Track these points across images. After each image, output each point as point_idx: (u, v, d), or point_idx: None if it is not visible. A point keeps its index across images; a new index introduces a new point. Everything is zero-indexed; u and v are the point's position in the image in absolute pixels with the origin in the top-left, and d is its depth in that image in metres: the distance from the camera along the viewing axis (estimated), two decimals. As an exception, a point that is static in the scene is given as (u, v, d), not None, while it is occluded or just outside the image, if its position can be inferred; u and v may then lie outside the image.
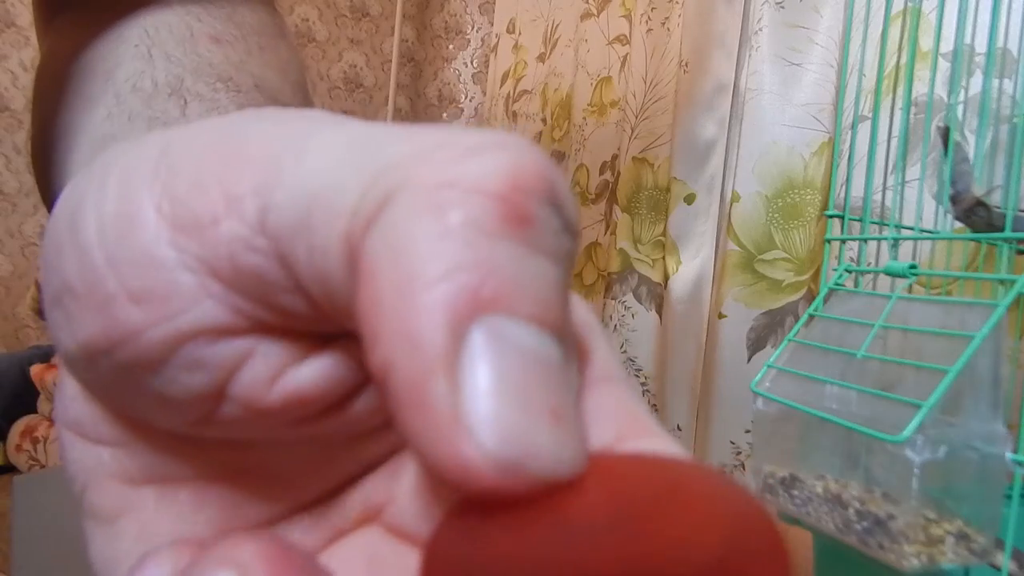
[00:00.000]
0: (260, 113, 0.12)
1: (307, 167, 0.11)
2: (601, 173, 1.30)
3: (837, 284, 0.44)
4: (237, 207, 0.11)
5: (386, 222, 0.09)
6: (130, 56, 0.24)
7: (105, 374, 0.12)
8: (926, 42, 0.79)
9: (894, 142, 0.51)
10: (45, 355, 1.91)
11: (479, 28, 2.49)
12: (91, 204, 0.12)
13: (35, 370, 1.83)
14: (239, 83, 0.24)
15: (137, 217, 0.11)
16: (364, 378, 0.12)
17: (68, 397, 0.14)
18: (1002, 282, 0.35)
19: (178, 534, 0.14)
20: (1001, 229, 0.40)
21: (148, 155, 0.12)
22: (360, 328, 0.10)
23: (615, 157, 1.24)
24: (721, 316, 1.01)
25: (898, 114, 0.50)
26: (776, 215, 0.98)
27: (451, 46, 2.54)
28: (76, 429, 0.14)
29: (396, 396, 0.09)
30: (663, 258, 1.12)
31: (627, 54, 1.24)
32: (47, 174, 0.26)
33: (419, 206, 0.09)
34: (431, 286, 0.09)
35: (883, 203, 0.58)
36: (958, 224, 0.48)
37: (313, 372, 0.12)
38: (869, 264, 0.45)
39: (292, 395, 0.12)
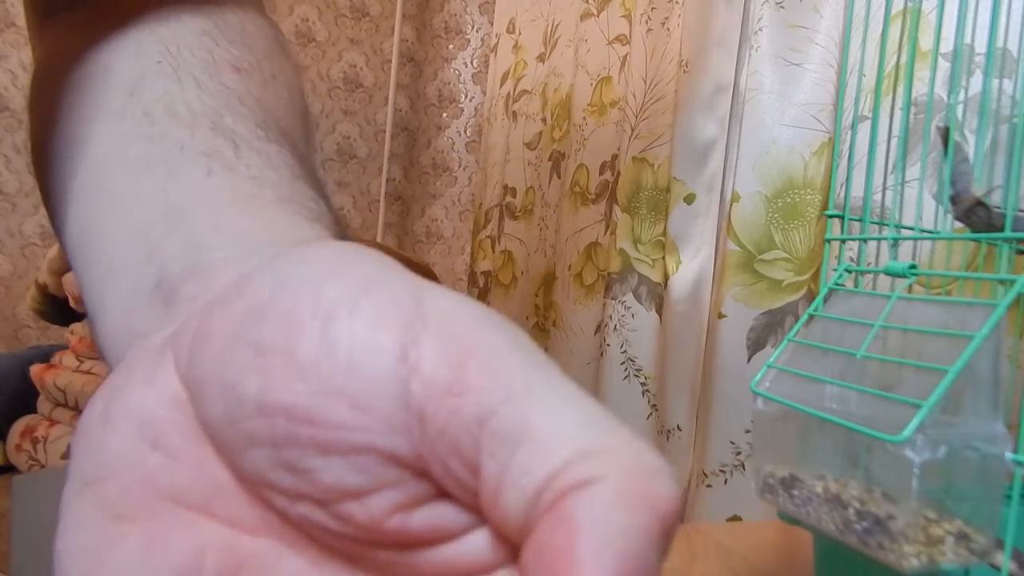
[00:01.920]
0: (506, 325, 0.15)
1: (535, 404, 0.13)
2: (601, 173, 1.30)
3: (837, 284, 0.44)
4: (474, 396, 0.13)
5: (593, 497, 0.12)
6: (154, 73, 0.24)
7: (263, 430, 0.14)
8: (926, 42, 0.79)
9: (894, 142, 0.51)
10: (45, 355, 1.91)
11: (479, 28, 2.49)
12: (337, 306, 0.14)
13: (35, 370, 1.83)
14: (267, 127, 0.24)
15: (382, 350, 0.14)
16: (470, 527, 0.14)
17: (157, 394, 0.15)
18: (1002, 282, 0.35)
19: (186, 562, 0.15)
20: (1001, 229, 0.40)
21: (399, 294, 0.14)
22: (524, 541, 0.12)
23: (615, 157, 1.24)
24: (721, 316, 1.01)
25: (898, 114, 0.50)
26: (776, 215, 0.98)
27: (451, 46, 2.54)
28: (141, 425, 0.15)
29: None
30: (663, 258, 1.12)
31: (627, 54, 1.24)
32: (46, 175, 0.26)
33: (616, 500, 0.12)
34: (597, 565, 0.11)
35: (883, 203, 0.58)
36: (958, 224, 0.48)
37: (428, 515, 0.14)
38: (869, 264, 0.45)
39: (404, 527, 0.14)
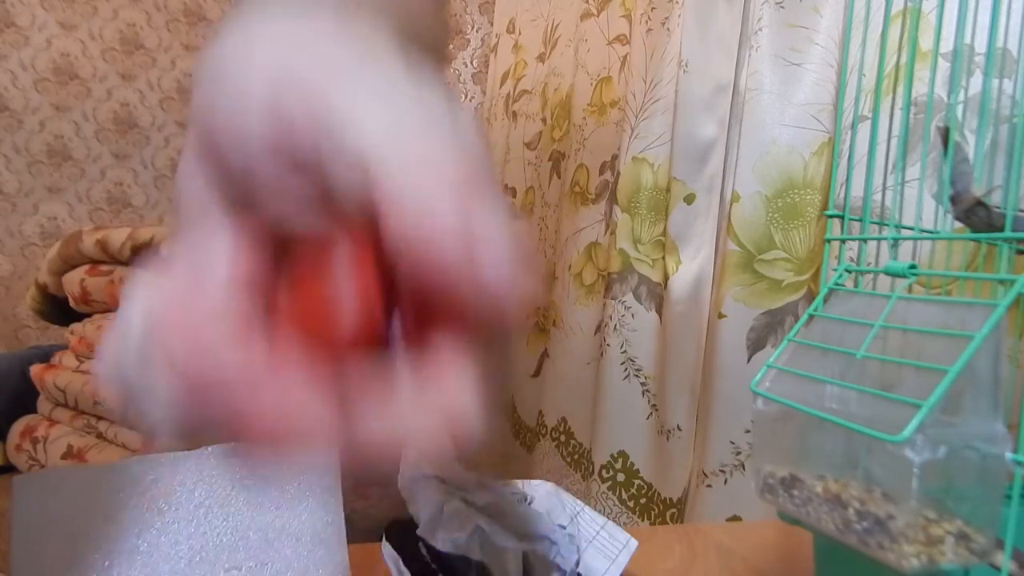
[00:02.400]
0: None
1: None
2: (601, 173, 1.30)
3: (837, 284, 0.44)
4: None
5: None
6: None
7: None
8: (926, 42, 0.79)
9: (894, 142, 0.51)
10: (45, 355, 1.91)
11: (479, 28, 2.49)
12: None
13: (35, 370, 1.82)
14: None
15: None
16: None
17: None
18: (1002, 282, 0.35)
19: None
20: (1001, 229, 0.40)
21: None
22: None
23: (615, 157, 1.24)
24: (721, 316, 1.01)
25: (898, 114, 0.50)
26: (776, 215, 0.98)
27: (451, 46, 2.54)
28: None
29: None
30: (663, 258, 1.12)
31: (627, 54, 1.24)
32: None
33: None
34: None
35: (883, 203, 0.58)
36: (958, 224, 0.48)
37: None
38: (869, 264, 0.45)
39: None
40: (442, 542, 0.42)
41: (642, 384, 1.15)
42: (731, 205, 1.01)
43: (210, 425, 0.17)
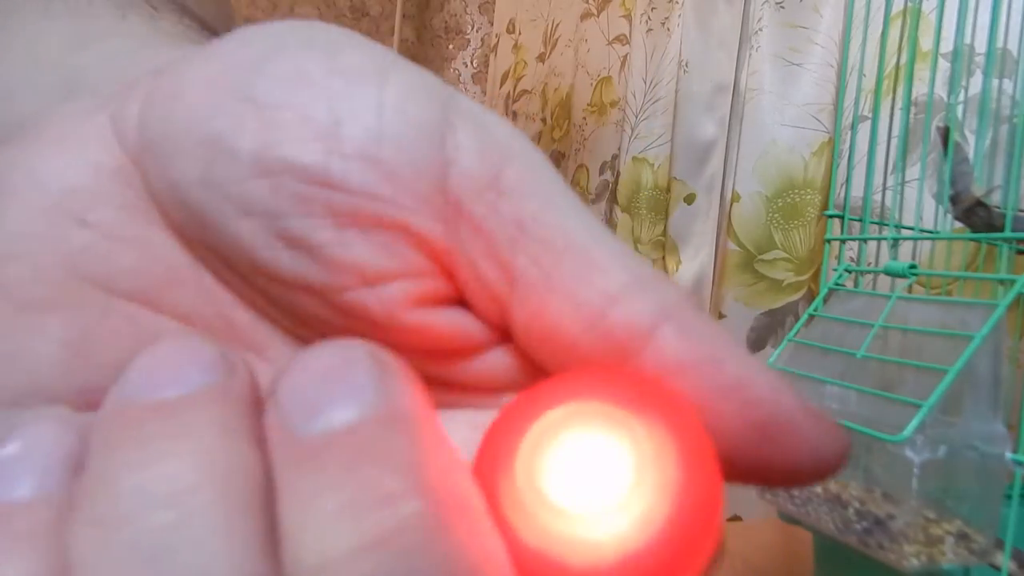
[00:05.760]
0: None
1: (575, 219, 0.13)
2: (601, 173, 1.30)
3: (837, 284, 0.44)
4: (515, 198, 0.12)
5: (670, 337, 0.12)
6: None
7: (261, 193, 0.11)
8: (926, 42, 0.79)
9: (894, 142, 0.51)
10: (45, 355, 1.91)
11: (479, 28, 2.49)
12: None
13: (35, 370, 1.83)
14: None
15: (420, 125, 0.12)
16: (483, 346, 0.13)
17: (85, 162, 0.12)
18: (1002, 282, 0.35)
19: (124, 360, 0.11)
20: (1001, 229, 0.40)
21: (427, 78, 0.13)
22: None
23: (615, 157, 1.24)
24: (721, 316, 1.01)
25: (898, 114, 0.50)
26: (776, 215, 0.98)
27: (451, 46, 2.54)
28: (62, 196, 0.12)
29: None
30: (663, 258, 1.12)
31: (627, 54, 1.24)
32: None
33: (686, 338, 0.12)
34: None
35: (883, 203, 0.58)
36: (958, 224, 0.48)
37: (453, 318, 0.12)
38: (869, 264, 0.45)
39: (423, 325, 0.12)
40: None
41: (642, 384, 1.15)
42: (731, 205, 1.01)
43: None
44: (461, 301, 0.13)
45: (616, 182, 1.22)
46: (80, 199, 0.12)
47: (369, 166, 0.11)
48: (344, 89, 0.12)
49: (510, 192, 0.12)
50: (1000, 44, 0.57)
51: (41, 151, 0.12)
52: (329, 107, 0.11)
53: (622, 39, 1.27)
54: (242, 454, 0.09)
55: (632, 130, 1.18)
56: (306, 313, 0.12)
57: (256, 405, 0.10)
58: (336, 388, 0.10)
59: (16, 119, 0.16)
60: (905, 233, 0.48)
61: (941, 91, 0.77)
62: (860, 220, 0.47)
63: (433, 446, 0.10)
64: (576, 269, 0.11)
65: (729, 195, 1.03)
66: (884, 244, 0.46)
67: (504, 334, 0.13)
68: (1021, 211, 0.41)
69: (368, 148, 0.11)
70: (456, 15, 2.52)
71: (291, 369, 0.10)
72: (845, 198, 0.81)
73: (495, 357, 0.13)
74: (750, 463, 0.11)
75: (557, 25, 1.51)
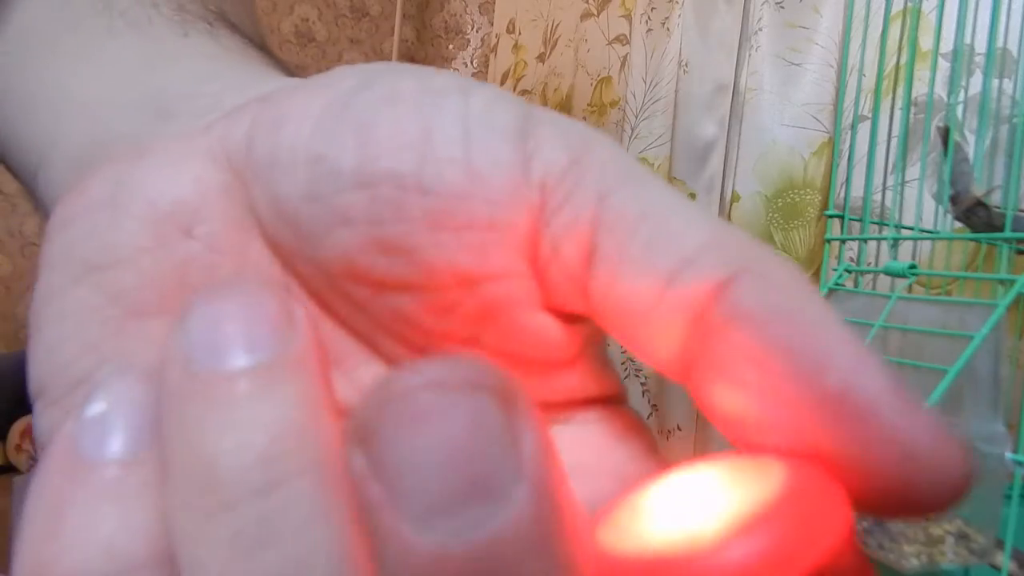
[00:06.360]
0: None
1: (653, 192, 0.13)
2: (601, 173, 1.31)
3: (837, 284, 0.44)
4: (594, 175, 0.13)
5: (756, 286, 0.12)
6: None
7: (360, 203, 0.12)
8: (926, 42, 0.79)
9: (894, 142, 0.51)
10: (45, 355, 1.91)
11: (479, 28, 2.49)
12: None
13: (35, 370, 1.83)
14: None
15: (502, 127, 0.13)
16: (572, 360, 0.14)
17: (193, 179, 0.13)
18: (1002, 282, 0.35)
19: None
20: (1001, 229, 0.40)
21: (504, 94, 0.13)
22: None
23: (615, 157, 1.25)
24: (721, 316, 1.01)
25: (898, 114, 0.50)
26: (776, 215, 0.98)
27: (451, 46, 2.54)
28: (171, 209, 0.13)
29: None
30: (663, 258, 1.12)
31: (627, 54, 1.24)
32: None
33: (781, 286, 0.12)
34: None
35: (883, 203, 0.58)
36: (958, 224, 0.48)
37: (543, 322, 0.13)
38: (869, 264, 0.45)
39: (514, 327, 0.13)
40: None
41: (642, 384, 1.15)
42: (731, 205, 1.01)
43: None
44: (549, 307, 0.13)
45: (616, 182, 1.22)
46: (187, 213, 0.13)
47: (458, 168, 0.12)
48: (433, 103, 0.13)
49: (591, 169, 0.12)
50: (1000, 44, 0.57)
51: (149, 168, 0.13)
52: (420, 120, 0.12)
53: (622, 39, 1.27)
54: (326, 424, 0.10)
55: (632, 130, 1.18)
56: (400, 317, 0.13)
57: (324, 364, 0.11)
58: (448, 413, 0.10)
59: (98, 134, 0.17)
60: (905, 233, 0.48)
61: (941, 91, 0.77)
62: (860, 220, 0.47)
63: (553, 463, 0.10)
64: (651, 237, 0.12)
65: (729, 195, 1.03)
66: (884, 244, 0.46)
67: (584, 340, 0.14)
68: (1021, 211, 0.41)
69: (457, 152, 0.12)
70: (456, 15, 2.52)
71: (402, 373, 0.10)
72: (845, 198, 0.81)
73: (569, 376, 0.14)
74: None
75: (557, 25, 1.51)
